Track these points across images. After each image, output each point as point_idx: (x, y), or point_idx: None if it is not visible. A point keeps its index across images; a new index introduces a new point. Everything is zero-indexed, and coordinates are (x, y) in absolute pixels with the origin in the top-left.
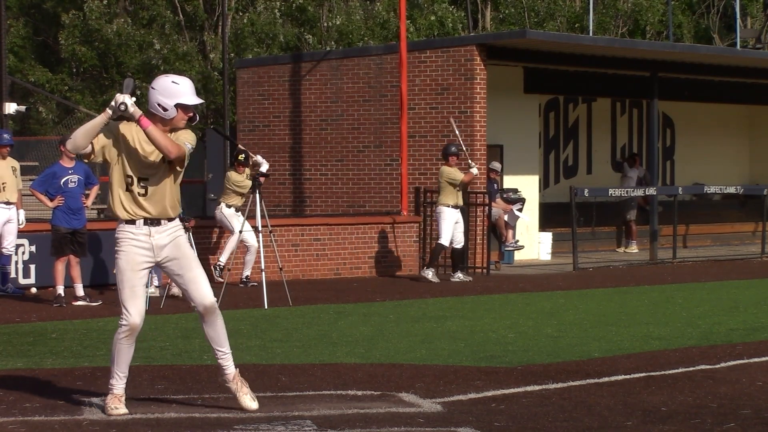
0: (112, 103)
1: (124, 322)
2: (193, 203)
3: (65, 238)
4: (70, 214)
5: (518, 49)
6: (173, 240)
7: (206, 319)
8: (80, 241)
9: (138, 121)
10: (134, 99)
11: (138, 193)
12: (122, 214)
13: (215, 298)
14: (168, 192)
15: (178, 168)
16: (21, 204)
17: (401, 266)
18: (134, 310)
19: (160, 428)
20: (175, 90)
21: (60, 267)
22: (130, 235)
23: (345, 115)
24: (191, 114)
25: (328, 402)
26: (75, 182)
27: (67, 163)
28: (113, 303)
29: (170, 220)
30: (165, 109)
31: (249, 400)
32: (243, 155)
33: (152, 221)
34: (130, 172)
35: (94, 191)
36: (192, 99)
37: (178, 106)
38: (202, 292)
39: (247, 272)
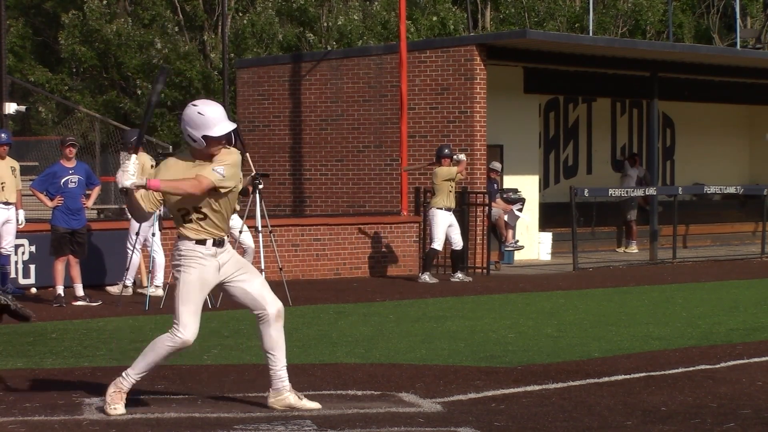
0: (120, 186)
1: (179, 336)
2: None
3: (64, 238)
4: (69, 214)
5: (518, 49)
6: (231, 256)
7: (277, 324)
8: (79, 241)
9: (148, 188)
10: (134, 161)
11: (197, 218)
12: (193, 234)
13: None
14: (226, 210)
15: (221, 191)
16: (21, 204)
17: (401, 266)
18: (193, 329)
19: (160, 428)
20: (201, 122)
21: (60, 267)
22: (199, 254)
23: (345, 115)
24: (223, 143)
25: (328, 402)
26: (75, 182)
27: (67, 163)
28: (112, 303)
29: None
30: (194, 140)
31: (308, 401)
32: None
33: (218, 242)
34: (183, 206)
35: (96, 192)
36: (218, 130)
37: (204, 137)
38: (273, 296)
39: None
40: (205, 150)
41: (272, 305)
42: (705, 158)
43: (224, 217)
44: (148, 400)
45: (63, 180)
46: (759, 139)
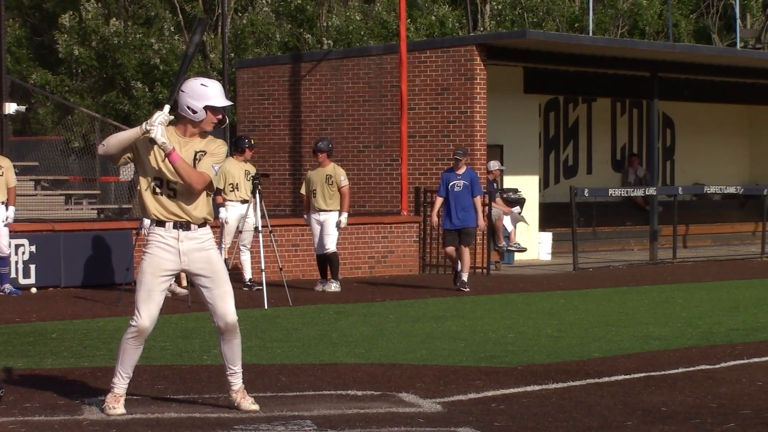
0: (145, 125)
1: (133, 323)
2: None
3: None
4: None
5: (518, 49)
6: (205, 252)
7: (225, 337)
8: None
9: (168, 156)
10: (167, 120)
11: (167, 195)
12: (151, 214)
13: (237, 317)
14: (199, 196)
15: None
16: (14, 200)
17: (401, 266)
18: (146, 314)
19: (160, 428)
20: (204, 92)
21: None
22: (158, 238)
23: (345, 115)
24: (220, 116)
25: (328, 402)
26: None
27: None
28: (111, 302)
29: (201, 225)
30: (194, 112)
31: (250, 404)
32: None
33: (182, 225)
34: (160, 176)
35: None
36: (221, 101)
37: (207, 108)
38: (227, 309)
39: (249, 275)
40: (202, 123)
41: (222, 318)
42: (705, 158)
43: (191, 197)
44: (148, 400)
45: None
46: (759, 139)
